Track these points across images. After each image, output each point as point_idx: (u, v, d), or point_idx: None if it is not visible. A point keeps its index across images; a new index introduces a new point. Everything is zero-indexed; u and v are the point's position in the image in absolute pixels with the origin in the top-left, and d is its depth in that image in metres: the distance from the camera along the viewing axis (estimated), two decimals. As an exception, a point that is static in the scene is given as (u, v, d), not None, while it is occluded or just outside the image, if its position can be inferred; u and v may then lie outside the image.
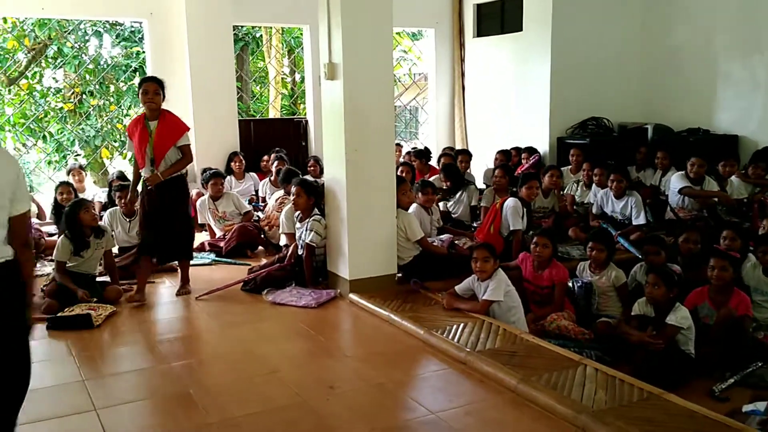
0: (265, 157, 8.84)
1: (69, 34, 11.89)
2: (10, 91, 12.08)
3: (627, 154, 7.99)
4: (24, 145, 12.05)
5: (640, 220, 6.47)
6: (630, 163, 7.80)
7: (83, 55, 12.08)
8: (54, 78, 12.48)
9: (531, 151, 8.66)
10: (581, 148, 8.00)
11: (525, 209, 6.05)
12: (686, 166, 6.89)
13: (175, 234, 5.25)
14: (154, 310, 5.15)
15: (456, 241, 6.04)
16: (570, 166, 7.97)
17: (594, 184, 7.13)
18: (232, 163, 8.45)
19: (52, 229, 7.20)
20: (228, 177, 8.23)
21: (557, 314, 4.69)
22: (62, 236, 5.26)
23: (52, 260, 5.56)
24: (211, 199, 7.07)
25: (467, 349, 3.98)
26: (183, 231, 5.33)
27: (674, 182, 6.96)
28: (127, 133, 5.30)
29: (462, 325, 4.39)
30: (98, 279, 5.43)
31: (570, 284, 4.99)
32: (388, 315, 4.69)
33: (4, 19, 11.09)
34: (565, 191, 7.46)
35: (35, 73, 12.08)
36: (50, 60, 12.05)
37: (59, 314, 4.77)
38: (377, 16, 5.08)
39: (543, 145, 8.81)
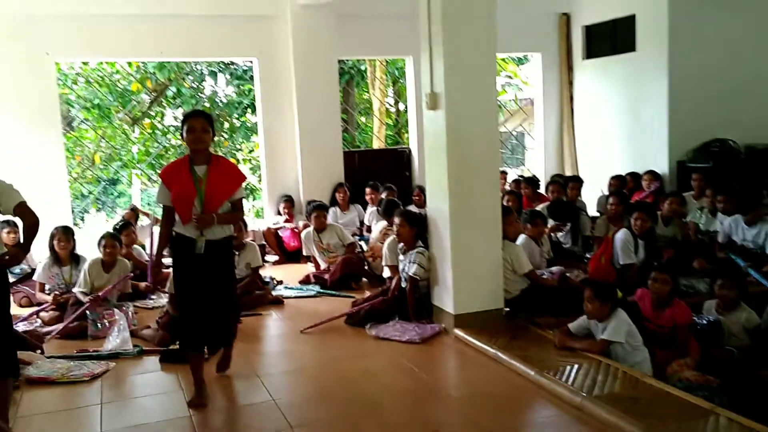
0: (368, 190, 8.80)
1: (187, 75, 12.59)
2: (134, 130, 12.91)
3: (755, 177, 7.39)
4: (150, 179, 12.83)
5: (775, 249, 5.90)
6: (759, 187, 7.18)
7: (200, 95, 12.75)
8: (174, 117, 13.26)
9: (655, 175, 8.17)
10: (703, 172, 7.51)
11: (642, 241, 5.67)
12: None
13: (222, 312, 4.13)
14: (260, 343, 5.22)
15: (567, 274, 5.74)
16: (692, 192, 7.46)
17: (719, 211, 6.60)
18: (337, 194, 8.55)
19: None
20: (333, 208, 8.32)
21: (679, 364, 4.25)
22: (175, 269, 5.42)
23: (167, 292, 5.75)
24: (315, 232, 7.15)
25: (583, 393, 3.70)
26: (231, 308, 4.27)
27: (813, 207, 6.34)
28: (161, 180, 4.02)
29: (576, 366, 4.10)
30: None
31: (695, 319, 4.56)
32: (495, 353, 4.47)
33: (129, 64, 11.91)
34: (688, 219, 6.96)
35: (157, 112, 12.87)
36: (170, 100, 12.80)
37: (171, 347, 4.90)
38: (480, 44, 4.96)
39: (662, 170, 8.35)
